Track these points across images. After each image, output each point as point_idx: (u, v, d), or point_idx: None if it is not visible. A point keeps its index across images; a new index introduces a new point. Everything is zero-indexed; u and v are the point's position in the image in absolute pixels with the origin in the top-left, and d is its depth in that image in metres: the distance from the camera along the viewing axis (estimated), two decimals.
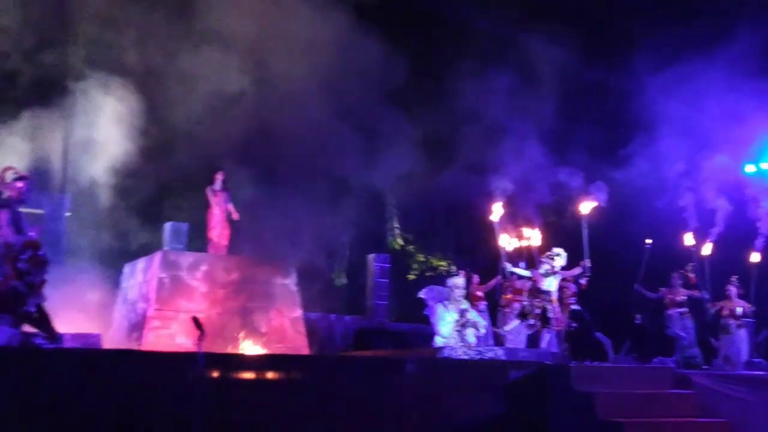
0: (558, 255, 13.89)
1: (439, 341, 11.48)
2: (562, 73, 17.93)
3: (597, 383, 10.37)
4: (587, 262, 13.83)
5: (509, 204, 16.35)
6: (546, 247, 15.20)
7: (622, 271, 16.24)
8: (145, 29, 16.35)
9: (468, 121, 17.83)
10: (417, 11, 19.90)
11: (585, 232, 13.86)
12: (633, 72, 17.70)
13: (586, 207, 14.41)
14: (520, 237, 15.53)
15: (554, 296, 13.83)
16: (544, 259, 14.12)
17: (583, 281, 15.11)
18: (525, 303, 14.23)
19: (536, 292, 13.96)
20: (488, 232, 15.68)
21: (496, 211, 14.45)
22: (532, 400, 9.90)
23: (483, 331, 11.96)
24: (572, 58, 17.98)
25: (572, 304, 15.04)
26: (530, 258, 15.25)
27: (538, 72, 17.93)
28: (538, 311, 13.83)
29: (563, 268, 13.88)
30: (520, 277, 14.78)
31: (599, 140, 17.70)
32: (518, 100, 17.34)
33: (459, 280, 11.86)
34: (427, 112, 18.13)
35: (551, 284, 13.86)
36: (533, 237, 15.32)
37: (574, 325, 13.39)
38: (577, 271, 14.17)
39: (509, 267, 14.41)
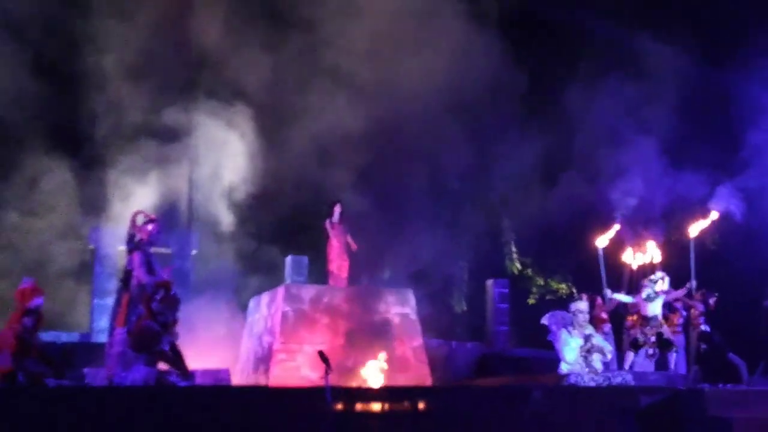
0: (661, 279, 13.67)
1: (564, 368, 11.29)
2: (682, 81, 17.43)
3: (733, 408, 9.96)
4: (693, 282, 13.52)
5: (629, 221, 16.08)
6: (667, 265, 14.89)
7: (752, 288, 15.64)
8: (264, 68, 16.83)
9: (585, 137, 17.57)
10: (534, 22, 19.69)
11: (692, 253, 13.52)
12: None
13: (695, 228, 14.08)
14: (643, 253, 15.25)
15: (661, 318, 13.70)
16: (646, 283, 13.84)
17: (711, 301, 14.69)
18: (637, 334, 13.93)
19: (644, 319, 13.68)
20: (608, 252, 15.43)
21: (603, 238, 14.21)
22: (666, 426, 9.65)
23: (609, 356, 11.70)
24: (691, 65, 17.50)
25: (701, 324, 14.61)
26: (631, 282, 15.02)
27: (657, 81, 17.50)
28: (652, 339, 13.54)
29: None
30: (622, 303, 14.53)
31: (723, 153, 17.14)
32: (637, 113, 17.02)
33: (582, 305, 11.65)
34: (545, 130, 17.95)
35: (656, 308, 13.66)
36: (655, 254, 14.99)
37: (704, 347, 12.94)
38: (682, 292, 13.86)
39: (609, 293, 14.17)
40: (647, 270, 15.09)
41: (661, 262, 15.06)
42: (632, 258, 15.58)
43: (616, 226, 15.18)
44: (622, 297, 14.34)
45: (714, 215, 14.56)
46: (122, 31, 16.33)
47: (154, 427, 7.98)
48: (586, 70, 18.07)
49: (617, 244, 15.91)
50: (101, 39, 16.34)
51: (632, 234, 16.39)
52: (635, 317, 14.45)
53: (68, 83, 16.82)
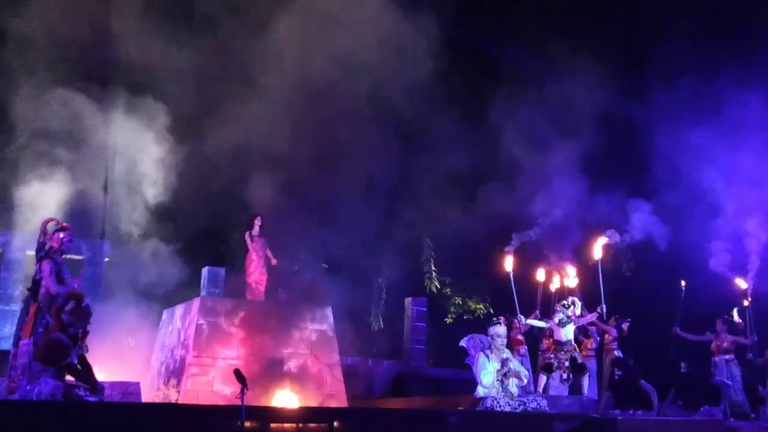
0: (573, 304, 13.97)
1: (481, 391, 11.30)
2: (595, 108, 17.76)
3: None
4: (603, 307, 13.79)
5: (541, 245, 16.29)
6: (581, 290, 15.13)
7: (662, 316, 16.01)
8: (183, 71, 16.51)
9: (503, 158, 17.74)
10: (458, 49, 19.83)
11: (600, 276, 13.77)
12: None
13: (598, 249, 14.35)
14: (560, 275, 15.47)
15: (573, 343, 13.99)
16: (558, 308, 14.10)
17: (624, 326, 14.98)
18: (550, 359, 14.14)
19: (557, 344, 13.91)
20: (522, 273, 15.59)
21: (508, 262, 14.36)
22: None
23: (525, 380, 11.76)
24: (605, 92, 17.86)
25: (614, 350, 14.87)
26: (545, 303, 15.23)
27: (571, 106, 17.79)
28: (566, 363, 13.76)
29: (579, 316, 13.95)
30: (535, 327, 14.73)
31: (632, 178, 17.54)
32: (549, 135, 17.24)
33: (500, 329, 11.67)
34: (462, 150, 18.06)
35: (569, 333, 13.96)
36: (571, 278, 15.23)
37: (618, 372, 13.15)
38: (593, 316, 14.12)
39: (523, 319, 14.36)
40: (563, 293, 15.31)
41: (576, 287, 15.30)
42: (546, 278, 15.78)
43: (510, 251, 15.29)
44: (535, 322, 14.53)
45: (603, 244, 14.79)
46: (35, 26, 15.77)
47: None
48: (510, 86, 18.19)
49: (531, 265, 16.10)
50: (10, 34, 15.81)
51: (548, 255, 16.61)
52: (549, 340, 14.65)
53: None
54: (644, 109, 18.33)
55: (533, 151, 17.19)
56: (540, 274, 15.81)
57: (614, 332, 14.96)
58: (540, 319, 14.76)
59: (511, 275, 14.13)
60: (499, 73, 19.59)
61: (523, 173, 17.20)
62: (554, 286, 15.81)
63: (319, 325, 14.84)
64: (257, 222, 15.50)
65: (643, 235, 16.10)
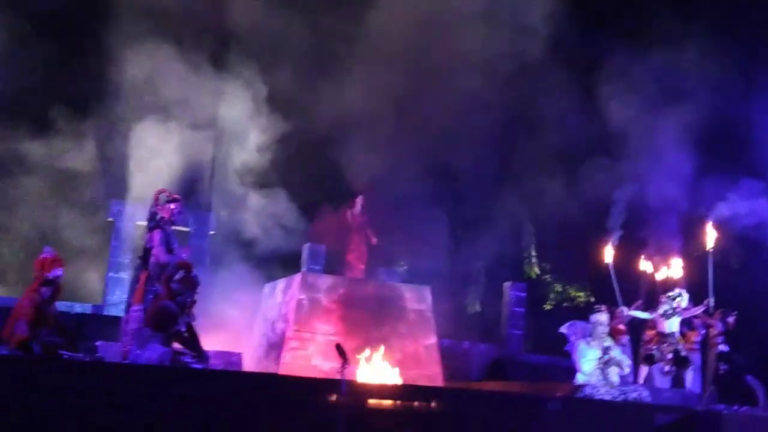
0: (679, 296, 13.53)
1: (580, 378, 11.16)
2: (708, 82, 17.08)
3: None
4: (711, 300, 13.33)
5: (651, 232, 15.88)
6: (687, 282, 14.71)
7: None
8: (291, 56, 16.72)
9: (609, 136, 17.32)
10: None
11: (710, 268, 13.31)
12: None
13: (710, 238, 13.84)
14: (665, 266, 15.05)
15: (678, 335, 13.66)
16: (663, 300, 13.70)
17: (730, 320, 14.50)
18: (653, 350, 13.80)
19: (661, 335, 13.56)
20: (625, 262, 15.25)
21: (608, 253, 13.99)
22: None
23: (627, 370, 11.55)
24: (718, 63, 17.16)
25: (719, 344, 14.42)
26: (650, 294, 14.83)
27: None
28: (669, 356, 13.43)
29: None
30: (637, 318, 14.37)
31: (744, 160, 16.82)
32: (656, 110, 16.67)
33: (602, 317, 11.49)
34: (567, 128, 17.69)
35: (673, 325, 13.60)
36: (677, 269, 14.79)
37: (724, 367, 12.76)
38: (700, 309, 13.67)
39: (626, 311, 14.03)
40: (667, 285, 14.92)
41: (681, 278, 14.89)
42: (651, 268, 15.38)
43: (610, 241, 14.90)
44: (639, 314, 14.22)
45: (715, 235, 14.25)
46: None
47: (166, 407, 7.91)
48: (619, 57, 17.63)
49: (635, 254, 15.73)
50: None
51: (653, 245, 16.21)
52: (653, 331, 14.31)
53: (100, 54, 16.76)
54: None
55: (640, 127, 16.69)
56: (644, 264, 15.43)
57: (720, 326, 14.47)
58: (643, 310, 14.45)
59: (611, 266, 13.84)
60: (607, 44, 18.97)
61: (629, 151, 16.71)
62: (659, 276, 15.40)
63: (418, 305, 14.86)
64: (359, 201, 15.63)
65: (756, 221, 15.46)
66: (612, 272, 13.70)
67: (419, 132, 16.35)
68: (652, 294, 15.22)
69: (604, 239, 15.12)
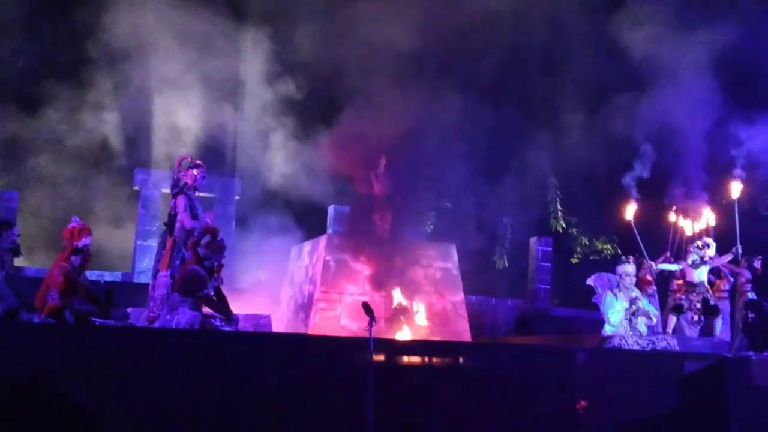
0: (707, 245, 13.49)
1: (608, 330, 11.16)
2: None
3: None
4: (739, 247, 13.26)
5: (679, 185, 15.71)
6: (714, 230, 14.60)
7: None
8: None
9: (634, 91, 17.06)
10: None
11: (736, 216, 13.22)
12: None
13: (735, 189, 13.71)
14: (693, 219, 14.92)
15: (706, 285, 13.72)
16: (691, 249, 13.65)
17: (757, 264, 14.40)
18: (681, 300, 13.77)
19: (689, 285, 13.53)
20: (654, 213, 15.14)
21: (630, 210, 13.87)
22: (711, 393, 9.51)
23: (655, 319, 11.53)
24: None
25: (747, 291, 14.37)
26: (678, 245, 14.73)
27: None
28: (697, 305, 13.41)
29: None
30: (669, 272, 14.30)
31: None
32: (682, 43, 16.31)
33: (629, 267, 11.44)
34: (590, 77, 17.45)
35: (702, 275, 13.59)
36: (708, 219, 14.66)
37: (752, 315, 12.71)
38: (728, 257, 13.61)
39: (655, 266, 14.01)
40: (695, 234, 14.82)
41: (708, 227, 14.78)
42: (677, 219, 15.27)
43: (633, 197, 14.77)
44: (667, 266, 14.19)
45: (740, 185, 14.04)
46: None
47: (199, 369, 8.02)
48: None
49: (661, 205, 15.61)
50: None
51: (679, 195, 16.06)
52: (681, 281, 14.27)
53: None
54: None
55: (662, 65, 16.38)
56: (672, 216, 15.33)
57: (747, 273, 14.41)
58: (672, 262, 14.38)
59: (633, 223, 13.77)
60: None
61: (653, 92, 16.41)
62: (687, 227, 15.28)
63: (444, 263, 14.90)
64: (382, 161, 15.59)
65: None
66: (634, 229, 13.61)
67: (442, 87, 16.24)
68: (680, 244, 15.13)
69: (626, 194, 15.03)
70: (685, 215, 15.22)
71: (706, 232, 14.49)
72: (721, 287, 14.71)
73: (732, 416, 9.25)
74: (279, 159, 17.26)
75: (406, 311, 14.16)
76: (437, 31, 15.73)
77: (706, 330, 13.82)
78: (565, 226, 21.05)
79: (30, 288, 10.09)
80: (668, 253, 14.88)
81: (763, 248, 14.35)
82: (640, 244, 13.73)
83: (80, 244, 9.65)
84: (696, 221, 14.92)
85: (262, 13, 17.39)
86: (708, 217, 14.50)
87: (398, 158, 16.03)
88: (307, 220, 17.60)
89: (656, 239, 15.36)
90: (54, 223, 17.41)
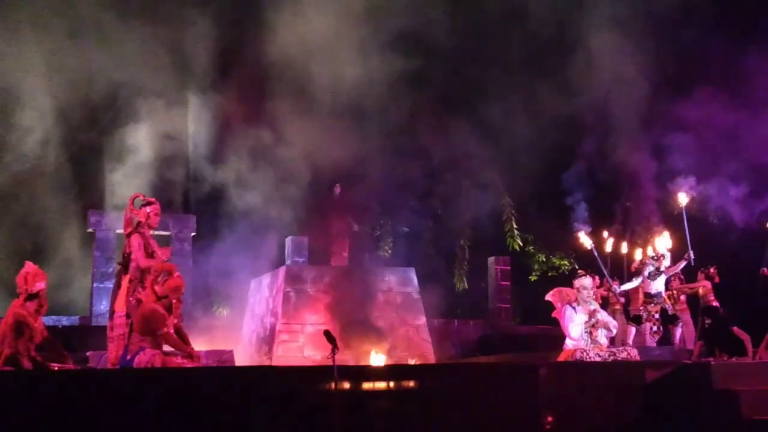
0: (662, 256, 13.73)
1: (570, 344, 11.24)
2: None
3: (739, 380, 9.93)
4: (691, 254, 13.46)
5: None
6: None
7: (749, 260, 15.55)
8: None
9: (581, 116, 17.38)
10: None
11: (685, 223, 13.47)
12: None
13: (682, 198, 13.97)
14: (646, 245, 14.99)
15: (665, 294, 13.85)
16: (648, 261, 13.85)
17: (711, 271, 14.55)
18: (640, 310, 13.97)
19: (647, 296, 13.73)
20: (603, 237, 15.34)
21: (585, 240, 14.08)
22: (673, 400, 9.63)
23: (614, 331, 11.62)
24: None
25: (712, 301, 14.51)
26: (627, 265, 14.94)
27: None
28: (656, 315, 13.61)
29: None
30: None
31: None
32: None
33: (586, 281, 11.54)
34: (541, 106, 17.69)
35: (659, 285, 13.82)
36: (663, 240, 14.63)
37: (707, 321, 12.92)
38: (682, 264, 13.79)
39: (618, 289, 14.24)
40: (644, 257, 14.92)
41: (662, 238, 14.94)
42: (629, 248, 15.42)
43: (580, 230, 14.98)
44: (629, 285, 14.32)
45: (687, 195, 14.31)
46: None
47: (162, 408, 7.93)
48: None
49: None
50: None
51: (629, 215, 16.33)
52: (640, 293, 14.43)
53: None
54: None
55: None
56: (623, 247, 15.47)
57: (708, 284, 14.47)
58: (630, 280, 14.52)
59: (592, 248, 13.97)
60: None
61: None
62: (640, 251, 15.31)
63: (404, 287, 14.98)
64: (337, 189, 15.68)
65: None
66: (594, 253, 13.80)
67: (394, 114, 16.39)
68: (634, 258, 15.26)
69: (576, 229, 15.22)
70: (634, 243, 15.44)
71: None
72: (681, 298, 14.89)
73: (693, 422, 9.35)
74: (234, 193, 17.22)
75: (368, 338, 14.17)
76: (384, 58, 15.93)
77: (666, 339, 13.98)
78: (521, 244, 21.22)
79: None
80: (616, 281, 14.95)
81: (715, 254, 14.58)
82: (603, 266, 13.94)
83: (34, 288, 9.51)
84: (649, 243, 15.03)
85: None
86: (662, 241, 14.56)
87: (353, 186, 16.15)
88: (266, 252, 17.53)
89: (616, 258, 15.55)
90: (7, 269, 17.15)
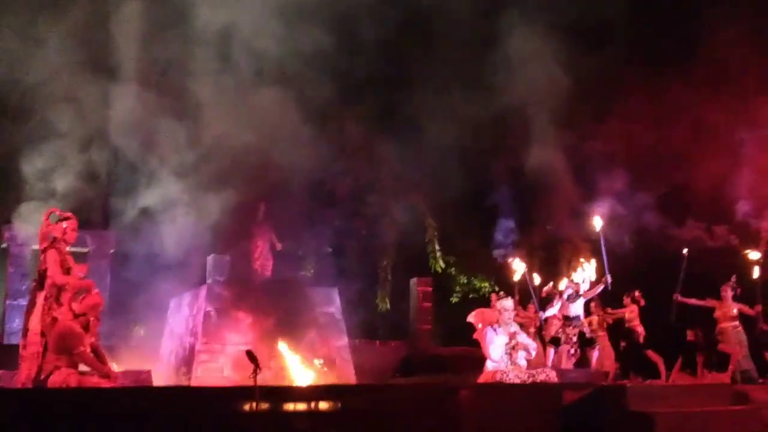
0: (581, 280, 13.98)
1: (490, 365, 11.37)
2: None
3: (654, 403, 10.17)
4: (608, 277, 13.76)
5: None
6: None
7: (665, 285, 15.97)
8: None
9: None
10: None
11: (603, 248, 13.77)
12: None
13: (597, 223, 14.29)
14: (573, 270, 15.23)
15: (583, 317, 14.10)
16: (569, 285, 14.13)
17: (636, 295, 14.86)
18: (558, 333, 14.23)
19: (566, 319, 14.00)
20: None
21: (517, 271, 14.27)
22: (589, 421, 9.81)
23: (534, 353, 11.81)
24: None
25: (638, 326, 14.81)
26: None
27: None
28: (574, 338, 13.87)
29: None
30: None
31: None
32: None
33: (507, 303, 11.74)
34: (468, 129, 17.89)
35: (577, 308, 14.05)
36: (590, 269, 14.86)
37: (623, 344, 13.23)
38: (599, 288, 14.10)
39: (542, 315, 14.51)
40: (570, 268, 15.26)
41: (580, 262, 15.24)
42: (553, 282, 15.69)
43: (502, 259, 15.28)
44: (553, 310, 14.52)
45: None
46: None
47: (76, 430, 7.73)
48: None
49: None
50: None
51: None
52: (558, 315, 14.66)
53: None
54: None
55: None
56: (536, 279, 15.73)
57: (635, 308, 14.69)
58: (552, 305, 14.73)
59: (524, 273, 14.13)
60: None
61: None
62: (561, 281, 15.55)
63: (327, 307, 14.93)
64: (261, 208, 15.56)
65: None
66: (527, 279, 13.99)
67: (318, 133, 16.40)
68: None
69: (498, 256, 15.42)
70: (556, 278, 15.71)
71: (576, 266, 14.92)
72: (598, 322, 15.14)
73: None
74: (155, 209, 16.92)
75: (291, 357, 14.06)
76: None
77: (584, 361, 14.23)
78: (444, 266, 21.38)
79: None
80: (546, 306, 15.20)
81: (632, 276, 14.92)
82: (533, 294, 14.20)
83: None
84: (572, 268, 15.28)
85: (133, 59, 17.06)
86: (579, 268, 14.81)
87: (277, 204, 16.06)
88: (186, 270, 17.26)
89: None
90: None
